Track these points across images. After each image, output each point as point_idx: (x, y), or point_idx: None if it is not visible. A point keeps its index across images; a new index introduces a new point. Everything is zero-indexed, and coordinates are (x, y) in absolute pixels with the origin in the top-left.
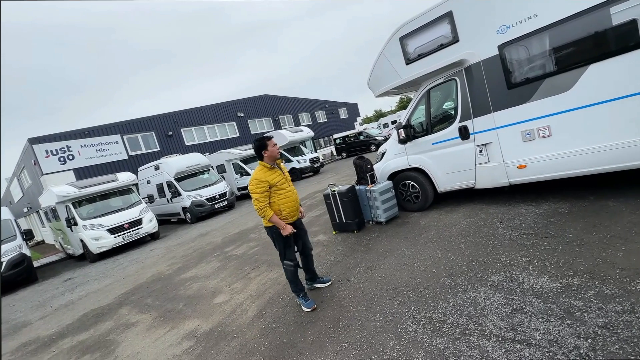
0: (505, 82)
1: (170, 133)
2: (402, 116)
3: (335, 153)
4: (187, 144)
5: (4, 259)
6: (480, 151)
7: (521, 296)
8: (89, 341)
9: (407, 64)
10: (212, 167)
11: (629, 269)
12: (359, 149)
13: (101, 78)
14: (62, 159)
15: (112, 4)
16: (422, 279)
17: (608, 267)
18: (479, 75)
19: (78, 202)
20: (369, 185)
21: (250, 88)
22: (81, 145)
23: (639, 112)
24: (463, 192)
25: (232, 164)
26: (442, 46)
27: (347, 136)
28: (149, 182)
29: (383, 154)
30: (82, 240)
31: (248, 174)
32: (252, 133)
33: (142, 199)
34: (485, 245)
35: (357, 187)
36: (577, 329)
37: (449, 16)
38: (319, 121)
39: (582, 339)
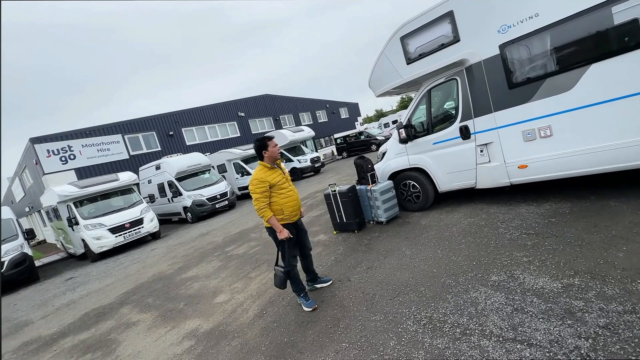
0: (506, 81)
1: (171, 133)
2: (403, 116)
3: (336, 153)
4: (188, 143)
5: (6, 259)
6: (481, 151)
7: (522, 296)
8: (90, 340)
9: (408, 63)
10: (213, 166)
11: (630, 269)
12: (359, 149)
13: (101, 78)
14: (63, 159)
15: (112, 4)
16: (423, 279)
17: (609, 267)
18: (480, 74)
19: (79, 202)
20: (369, 185)
21: (250, 88)
22: (82, 145)
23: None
24: (464, 192)
25: (233, 163)
26: (443, 46)
27: (348, 136)
28: (150, 181)
29: (384, 153)
30: (83, 240)
31: (249, 173)
32: (252, 133)
33: (143, 198)
34: (486, 245)
35: (357, 187)
36: (578, 329)
37: (449, 16)
38: (319, 121)
39: (583, 339)
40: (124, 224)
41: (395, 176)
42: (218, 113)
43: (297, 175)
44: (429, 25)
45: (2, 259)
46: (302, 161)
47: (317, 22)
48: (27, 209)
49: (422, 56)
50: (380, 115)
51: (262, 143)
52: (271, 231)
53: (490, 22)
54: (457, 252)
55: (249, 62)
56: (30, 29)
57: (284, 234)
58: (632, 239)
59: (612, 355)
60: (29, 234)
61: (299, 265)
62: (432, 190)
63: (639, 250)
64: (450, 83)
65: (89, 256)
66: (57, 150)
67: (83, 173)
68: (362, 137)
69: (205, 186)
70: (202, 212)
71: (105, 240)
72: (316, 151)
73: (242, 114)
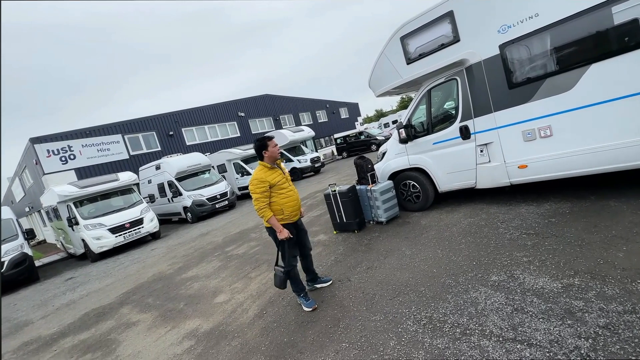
0: (507, 81)
1: (171, 133)
2: (403, 116)
3: (336, 153)
4: (188, 143)
5: (6, 259)
6: (481, 151)
7: (522, 296)
8: (90, 340)
9: (408, 63)
10: (213, 166)
11: (630, 269)
12: (359, 149)
13: (101, 78)
14: (63, 159)
15: (112, 4)
16: (423, 279)
17: (609, 267)
18: (480, 74)
19: (79, 202)
20: (369, 185)
21: (250, 88)
22: (82, 145)
23: None
24: (464, 192)
25: (233, 163)
26: (443, 46)
27: (348, 136)
28: (150, 181)
29: (384, 153)
30: (83, 240)
31: (249, 173)
32: (252, 133)
33: (143, 198)
34: (486, 245)
35: (357, 187)
36: (578, 329)
37: (449, 16)
38: (319, 121)
39: (583, 339)
40: (124, 224)
41: (395, 176)
42: (218, 113)
43: (297, 175)
44: (429, 25)
45: (2, 259)
46: (302, 161)
47: (317, 22)
48: (27, 209)
49: (422, 56)
50: (380, 115)
51: (262, 143)
52: (271, 231)
53: (490, 22)
54: (457, 252)
55: (249, 62)
56: (30, 29)
57: (283, 234)
58: (632, 239)
59: (612, 355)
60: (29, 234)
61: (299, 265)
62: (432, 190)
63: (639, 250)
64: (450, 83)
65: (89, 256)
66: (57, 150)
67: (83, 173)
68: (362, 137)
69: (205, 186)
70: (202, 212)
71: (105, 240)
72: (316, 151)
73: (242, 114)
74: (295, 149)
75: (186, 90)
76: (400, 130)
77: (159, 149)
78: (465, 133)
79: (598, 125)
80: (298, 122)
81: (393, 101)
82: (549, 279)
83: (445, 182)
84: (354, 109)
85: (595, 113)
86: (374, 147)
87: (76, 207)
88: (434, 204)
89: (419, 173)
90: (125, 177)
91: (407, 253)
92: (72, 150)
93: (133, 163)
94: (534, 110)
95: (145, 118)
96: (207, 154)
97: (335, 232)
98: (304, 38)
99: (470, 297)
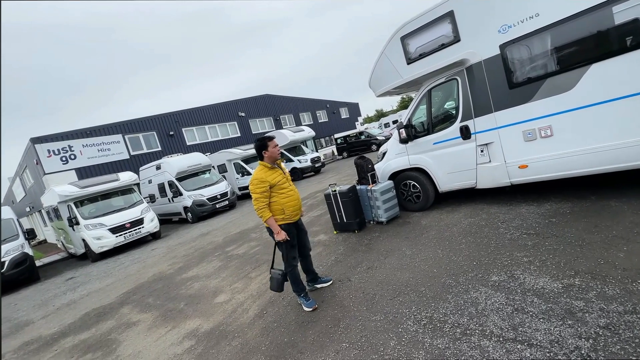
0: (507, 81)
1: (171, 133)
2: (403, 116)
3: (336, 153)
4: (188, 143)
5: (7, 258)
6: (482, 151)
7: (522, 296)
8: (90, 340)
9: (408, 63)
10: (213, 166)
11: (631, 269)
12: (360, 149)
13: (101, 78)
14: (64, 159)
15: (112, 4)
16: (423, 279)
17: (610, 267)
18: (480, 74)
19: (80, 202)
20: (370, 185)
21: (250, 88)
22: (83, 145)
23: None
24: (464, 192)
25: (233, 163)
26: (443, 46)
27: (348, 136)
28: (150, 181)
29: (384, 153)
30: (83, 240)
31: (249, 173)
32: (253, 133)
33: (144, 198)
34: (486, 245)
35: (358, 187)
36: (579, 329)
37: (450, 16)
38: (320, 121)
39: (583, 340)
40: (125, 224)
41: (395, 176)
42: (218, 113)
43: (298, 175)
44: (430, 25)
45: (3, 259)
46: (303, 161)
47: (317, 22)
48: (27, 209)
49: (422, 56)
50: (380, 115)
51: (262, 143)
52: (271, 231)
53: (491, 22)
54: (458, 252)
55: (249, 62)
56: (30, 29)
57: (281, 235)
58: (632, 239)
59: (613, 355)
60: (30, 234)
61: (299, 265)
62: (433, 190)
63: None
64: (451, 83)
65: (89, 256)
66: (58, 150)
67: (83, 173)
68: (363, 137)
69: (205, 186)
70: (203, 212)
71: (106, 240)
72: (316, 151)
73: (243, 114)
74: (295, 149)
75: (186, 90)
76: (400, 130)
77: (160, 149)
78: (465, 133)
79: (599, 125)
80: (298, 122)
81: (393, 101)
82: (549, 279)
83: (445, 182)
84: (354, 109)
85: (595, 113)
86: (374, 147)
87: (77, 207)
88: (435, 204)
89: (420, 173)
90: (126, 177)
91: (408, 253)
92: (73, 150)
93: (133, 163)
94: (535, 110)
95: (145, 118)
96: (207, 154)
97: (335, 232)
98: (304, 38)
99: (471, 297)
